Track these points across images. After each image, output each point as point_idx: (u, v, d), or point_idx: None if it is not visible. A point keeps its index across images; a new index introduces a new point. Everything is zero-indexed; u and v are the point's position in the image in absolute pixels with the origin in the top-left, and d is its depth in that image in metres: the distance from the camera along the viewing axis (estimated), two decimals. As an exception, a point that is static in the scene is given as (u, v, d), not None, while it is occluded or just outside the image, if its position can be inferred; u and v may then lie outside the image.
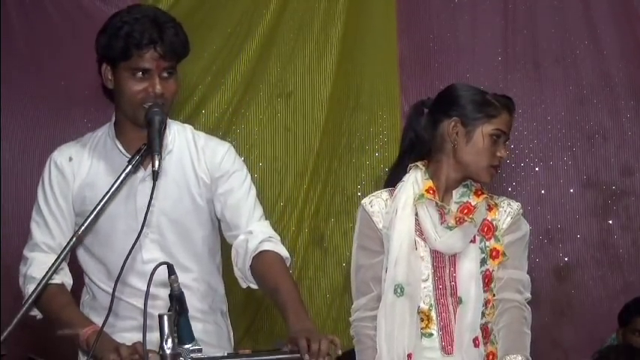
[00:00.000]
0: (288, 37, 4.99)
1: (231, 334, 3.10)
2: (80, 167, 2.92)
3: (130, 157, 2.77)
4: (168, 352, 2.36)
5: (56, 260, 2.59)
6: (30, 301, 2.55)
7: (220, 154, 2.96)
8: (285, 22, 4.99)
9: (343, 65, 5.00)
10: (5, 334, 2.38)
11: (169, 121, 2.96)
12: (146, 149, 2.67)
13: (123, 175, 2.63)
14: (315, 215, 4.97)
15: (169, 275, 2.47)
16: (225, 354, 2.57)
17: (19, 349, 3.85)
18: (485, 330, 2.93)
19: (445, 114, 2.97)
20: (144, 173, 2.85)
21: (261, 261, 2.86)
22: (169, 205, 2.90)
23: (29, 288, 2.80)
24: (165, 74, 2.80)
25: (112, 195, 2.66)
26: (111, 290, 2.72)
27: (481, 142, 2.93)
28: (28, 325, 4.31)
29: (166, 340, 2.37)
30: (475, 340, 2.90)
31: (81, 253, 2.96)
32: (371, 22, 5.03)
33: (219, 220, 3.00)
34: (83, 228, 2.63)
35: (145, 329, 2.39)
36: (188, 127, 3.02)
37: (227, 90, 4.96)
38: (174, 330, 2.41)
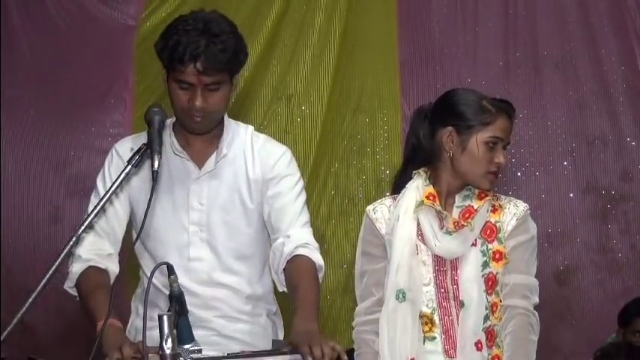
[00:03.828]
0: (288, 41, 5.02)
1: (280, 335, 3.05)
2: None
3: (182, 154, 2.86)
4: (168, 352, 2.37)
5: (65, 246, 2.57)
6: (33, 297, 2.53)
7: (275, 156, 2.96)
8: (286, 25, 5.02)
9: (344, 68, 5.03)
10: (5, 333, 2.38)
11: (229, 122, 2.97)
12: (146, 149, 2.68)
13: (123, 175, 2.63)
14: (315, 216, 4.98)
15: (169, 275, 2.48)
16: (226, 354, 2.57)
17: (19, 352, 3.86)
18: (491, 333, 2.91)
19: (441, 122, 2.96)
20: (198, 173, 2.88)
21: (293, 265, 2.84)
22: (220, 206, 2.91)
23: (74, 267, 2.82)
24: (209, 88, 2.79)
25: (112, 194, 2.66)
26: (160, 284, 2.79)
27: (476, 150, 2.91)
28: (29, 328, 4.34)
29: (166, 340, 2.37)
30: (477, 344, 2.89)
31: (137, 247, 2.96)
32: (372, 24, 5.06)
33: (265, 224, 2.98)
34: (86, 225, 2.63)
35: (144, 328, 2.41)
36: (250, 129, 3.02)
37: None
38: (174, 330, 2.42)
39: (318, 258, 2.87)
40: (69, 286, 2.85)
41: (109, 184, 2.89)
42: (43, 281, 2.56)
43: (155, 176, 2.59)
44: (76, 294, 2.85)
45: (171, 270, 2.48)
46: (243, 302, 2.94)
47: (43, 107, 4.92)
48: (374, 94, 5.07)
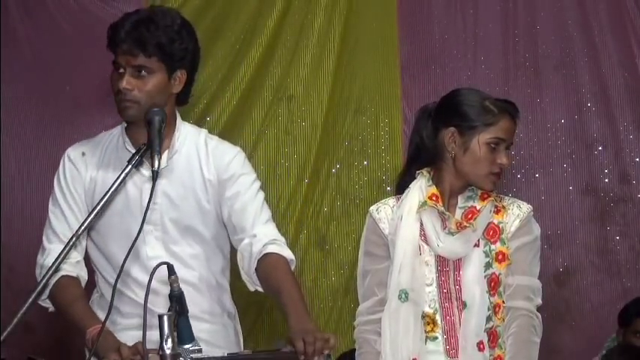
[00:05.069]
0: (289, 42, 5.03)
1: (240, 335, 3.09)
2: (91, 163, 2.93)
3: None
4: (168, 352, 2.37)
5: (57, 257, 2.60)
6: (31, 300, 2.55)
7: (229, 156, 2.96)
8: (287, 27, 5.03)
9: (344, 69, 5.04)
10: (5, 333, 2.38)
11: (181, 123, 2.97)
12: (146, 149, 2.68)
13: (123, 175, 2.64)
14: (316, 217, 5.00)
15: (169, 275, 2.48)
16: (225, 354, 2.58)
17: (19, 352, 3.86)
18: (493, 334, 2.91)
19: (443, 123, 2.96)
20: (149, 172, 2.82)
21: (265, 264, 2.85)
22: (173, 204, 2.91)
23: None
24: (139, 73, 2.80)
25: (113, 194, 2.67)
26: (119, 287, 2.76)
27: (478, 151, 2.91)
28: (29, 328, 4.34)
29: (166, 340, 2.37)
30: (480, 344, 2.90)
31: (91, 250, 2.97)
32: (372, 25, 5.06)
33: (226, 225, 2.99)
34: (84, 227, 2.64)
35: (144, 329, 2.42)
36: (203, 132, 3.02)
37: (232, 96, 5.00)
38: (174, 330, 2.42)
39: (288, 253, 2.89)
40: (42, 299, 2.83)
41: (65, 189, 2.93)
42: (43, 281, 2.57)
43: (155, 176, 2.60)
44: (49, 305, 2.86)
45: (171, 270, 2.49)
46: (206, 301, 2.94)
47: (44, 107, 4.91)
48: (375, 94, 5.07)
